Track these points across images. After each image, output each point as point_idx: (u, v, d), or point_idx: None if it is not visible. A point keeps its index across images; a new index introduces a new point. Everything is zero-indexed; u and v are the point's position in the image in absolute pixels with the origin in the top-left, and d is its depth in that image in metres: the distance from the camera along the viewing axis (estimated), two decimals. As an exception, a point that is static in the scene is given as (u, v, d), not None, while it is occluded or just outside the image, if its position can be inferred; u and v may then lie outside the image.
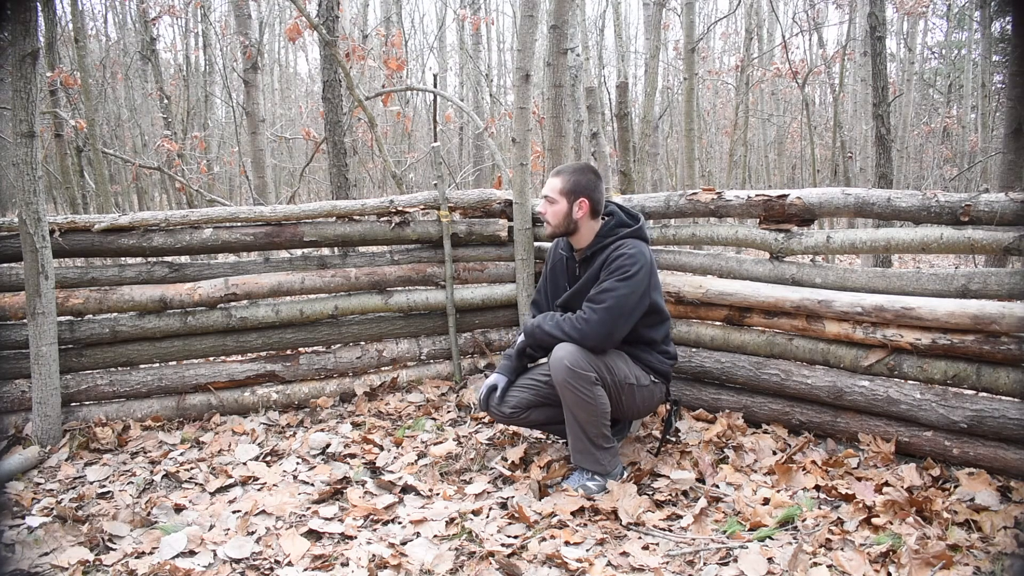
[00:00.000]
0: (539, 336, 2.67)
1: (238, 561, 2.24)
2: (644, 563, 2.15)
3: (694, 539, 2.29)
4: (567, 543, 2.26)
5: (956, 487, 2.46)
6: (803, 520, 2.34)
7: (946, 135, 13.21)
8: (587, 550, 2.24)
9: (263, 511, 2.55)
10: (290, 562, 2.21)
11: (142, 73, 10.79)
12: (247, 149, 7.27)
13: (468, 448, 3.06)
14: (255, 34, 7.10)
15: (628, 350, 2.69)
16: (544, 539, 2.29)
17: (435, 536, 2.35)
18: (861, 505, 2.37)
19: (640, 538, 2.31)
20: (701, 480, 2.69)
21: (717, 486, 2.63)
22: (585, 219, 2.71)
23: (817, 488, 2.56)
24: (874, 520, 2.28)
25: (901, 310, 2.64)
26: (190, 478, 2.89)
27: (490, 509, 2.53)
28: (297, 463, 3.00)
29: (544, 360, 2.92)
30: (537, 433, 3.17)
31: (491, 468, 2.88)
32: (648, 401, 2.75)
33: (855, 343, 2.84)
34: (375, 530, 2.42)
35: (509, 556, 2.18)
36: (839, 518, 2.35)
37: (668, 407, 2.87)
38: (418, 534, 2.37)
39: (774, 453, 2.86)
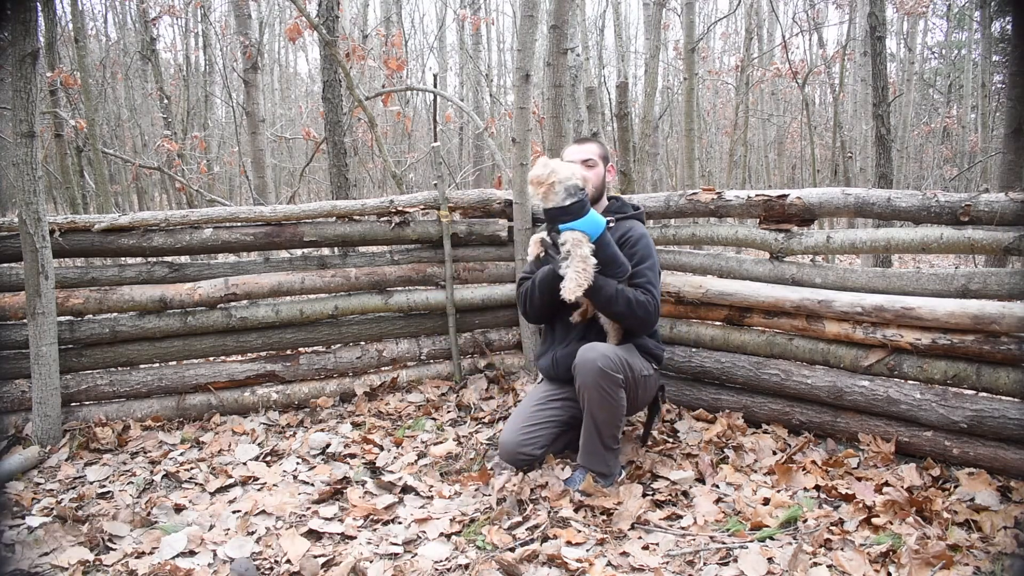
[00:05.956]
0: (619, 303, 2.58)
1: (238, 561, 2.24)
2: (644, 563, 2.15)
3: (694, 539, 2.29)
4: (568, 543, 2.26)
5: (956, 487, 2.46)
6: (803, 520, 2.34)
7: (946, 135, 13.22)
8: (587, 550, 2.23)
9: (263, 511, 2.55)
10: (290, 561, 2.21)
11: (142, 73, 10.79)
12: (247, 149, 7.27)
13: (468, 448, 3.06)
14: (255, 34, 7.10)
15: (633, 340, 2.76)
16: (545, 539, 2.29)
17: (440, 534, 2.35)
18: (861, 505, 2.37)
19: (640, 538, 2.30)
20: (701, 480, 2.69)
21: (717, 486, 2.63)
22: (609, 188, 2.94)
23: (817, 488, 2.56)
24: (874, 520, 2.28)
25: (901, 310, 2.64)
26: (190, 478, 2.89)
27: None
28: (297, 463, 3.00)
29: (548, 390, 2.88)
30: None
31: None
32: (651, 391, 2.82)
33: (855, 343, 2.84)
34: (375, 530, 2.42)
35: (508, 556, 2.18)
36: (839, 518, 2.35)
37: (656, 392, 2.91)
38: (419, 535, 2.37)
39: (774, 453, 2.86)
